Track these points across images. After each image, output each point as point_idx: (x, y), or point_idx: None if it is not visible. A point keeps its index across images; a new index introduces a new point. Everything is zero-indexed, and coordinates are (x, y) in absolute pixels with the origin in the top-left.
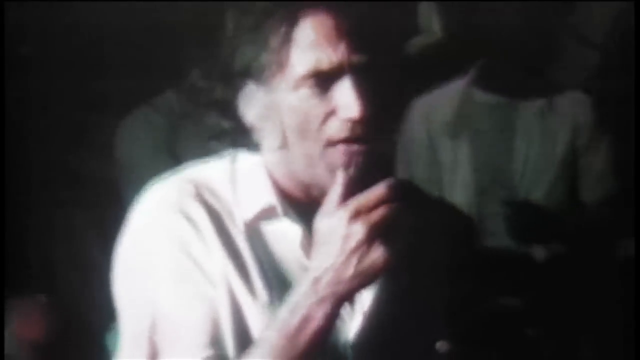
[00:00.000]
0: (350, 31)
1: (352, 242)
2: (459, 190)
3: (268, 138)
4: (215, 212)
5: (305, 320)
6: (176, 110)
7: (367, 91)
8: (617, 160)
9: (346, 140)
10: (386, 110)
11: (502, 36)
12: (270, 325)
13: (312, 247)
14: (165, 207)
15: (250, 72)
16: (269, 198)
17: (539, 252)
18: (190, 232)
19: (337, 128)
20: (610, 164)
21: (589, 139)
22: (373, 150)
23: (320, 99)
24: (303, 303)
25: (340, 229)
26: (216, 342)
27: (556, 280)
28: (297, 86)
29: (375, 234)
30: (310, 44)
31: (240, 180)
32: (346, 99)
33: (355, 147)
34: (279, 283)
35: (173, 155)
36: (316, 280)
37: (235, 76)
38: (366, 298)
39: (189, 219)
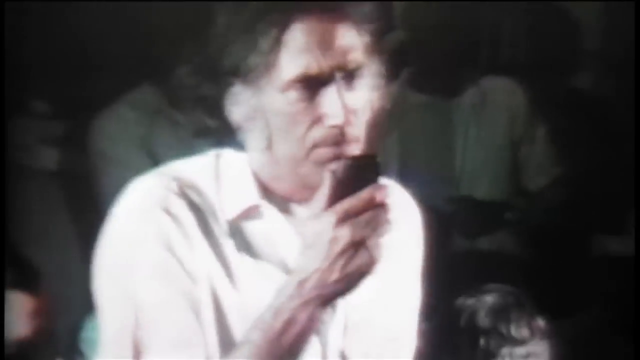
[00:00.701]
0: (341, 37)
1: (339, 246)
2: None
3: (253, 138)
4: (198, 209)
5: (289, 322)
6: (153, 106)
7: (355, 97)
8: (556, 148)
9: (332, 145)
10: (374, 114)
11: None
12: (255, 327)
13: (297, 249)
14: (148, 204)
15: (239, 72)
16: (253, 197)
17: (485, 245)
18: (173, 229)
19: (322, 134)
20: (548, 152)
21: (525, 129)
22: (360, 153)
23: (308, 103)
24: (287, 305)
25: (326, 233)
26: (199, 339)
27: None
28: (284, 89)
29: (362, 238)
30: (300, 48)
31: (224, 178)
32: (333, 107)
33: (340, 150)
34: (261, 282)
35: (149, 151)
36: (301, 283)
37: (223, 75)
38: (348, 299)
39: (173, 216)
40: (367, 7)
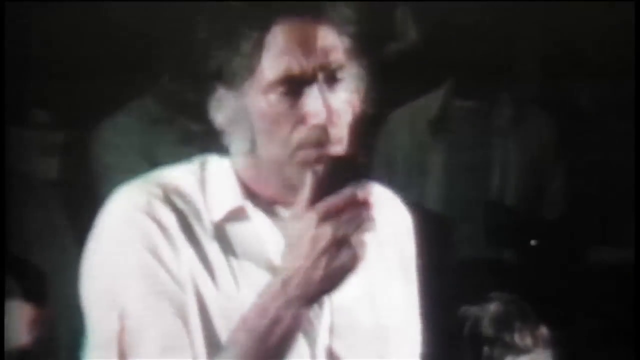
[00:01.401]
0: (322, 38)
1: (321, 244)
2: (435, 192)
3: (237, 142)
4: (183, 214)
5: (274, 322)
6: (153, 115)
7: (337, 98)
8: (575, 182)
9: (315, 146)
10: (356, 117)
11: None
12: (240, 327)
13: (281, 248)
14: (132, 210)
15: (221, 76)
16: (238, 199)
17: (511, 256)
18: (158, 234)
19: (306, 134)
20: (566, 190)
21: (551, 158)
22: (342, 153)
23: (291, 104)
24: (272, 304)
25: (309, 231)
26: (185, 343)
27: (529, 284)
28: (267, 91)
29: (344, 236)
30: (282, 49)
31: (209, 183)
32: (316, 106)
33: (324, 150)
34: (247, 283)
35: (150, 160)
36: (285, 282)
37: (206, 79)
38: (334, 298)
39: (157, 222)
40: (347, 9)
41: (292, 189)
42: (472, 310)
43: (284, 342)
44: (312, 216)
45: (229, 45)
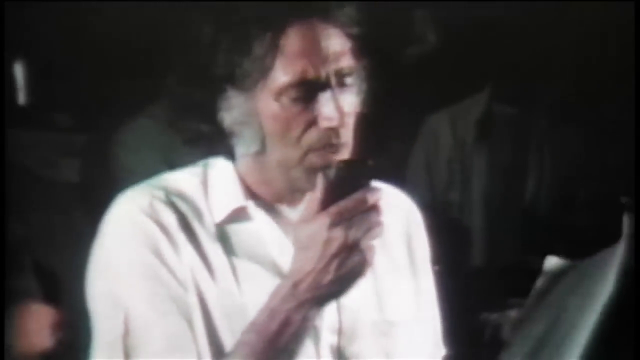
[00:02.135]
0: (333, 41)
1: (333, 248)
2: (475, 197)
3: (245, 143)
4: (185, 216)
5: (285, 323)
6: (169, 117)
7: (347, 102)
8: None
9: (326, 148)
10: (369, 120)
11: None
12: (250, 328)
13: (286, 250)
14: (135, 212)
15: (233, 78)
16: (240, 199)
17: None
18: (160, 235)
19: (317, 137)
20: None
21: (580, 173)
22: (352, 159)
23: (303, 107)
24: (282, 307)
25: (321, 235)
26: (190, 344)
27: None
28: (280, 94)
29: (355, 240)
30: (297, 53)
31: (212, 185)
32: (329, 110)
33: (335, 153)
34: (249, 283)
35: (170, 162)
36: (296, 285)
37: (216, 81)
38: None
39: (159, 223)
40: (352, 10)
41: (297, 190)
42: (492, 316)
43: (293, 343)
44: (323, 219)
45: (240, 47)
